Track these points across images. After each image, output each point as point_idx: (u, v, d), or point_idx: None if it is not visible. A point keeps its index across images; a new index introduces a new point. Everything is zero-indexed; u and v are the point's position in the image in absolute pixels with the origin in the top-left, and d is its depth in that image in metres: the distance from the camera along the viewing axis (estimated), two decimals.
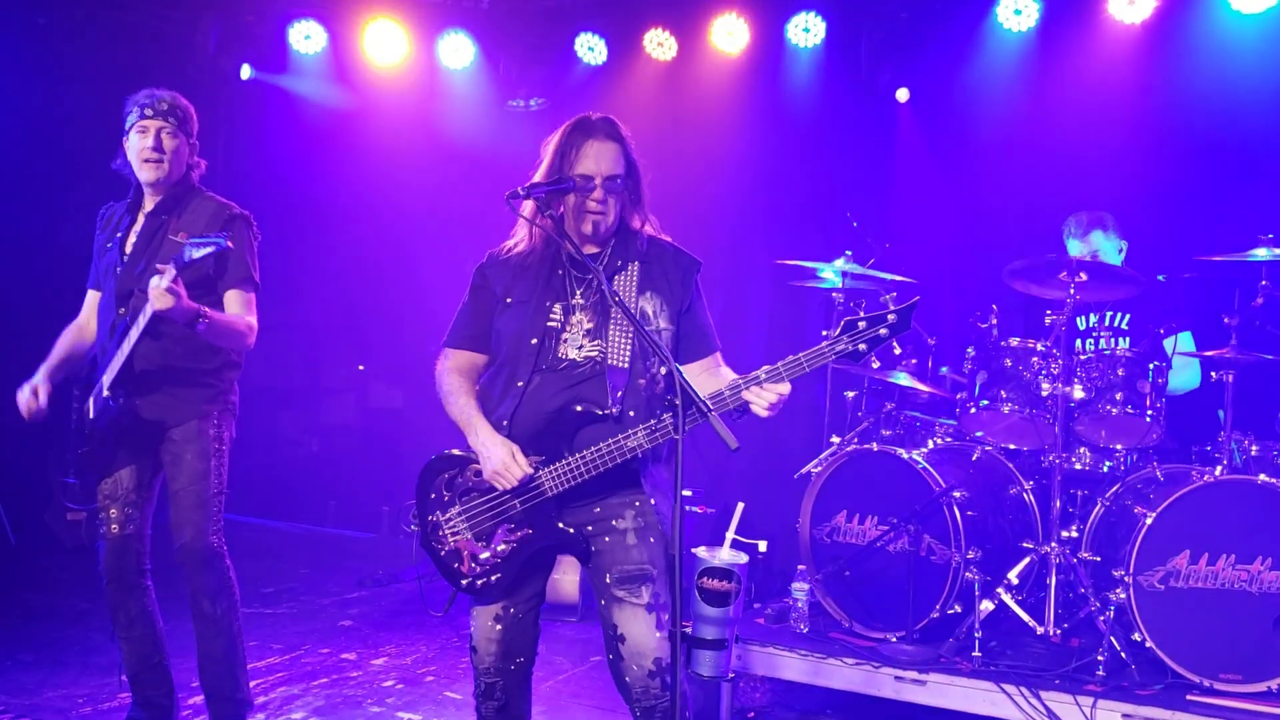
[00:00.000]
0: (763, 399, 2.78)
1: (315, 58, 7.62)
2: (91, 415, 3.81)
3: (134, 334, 3.67)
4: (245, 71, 7.83)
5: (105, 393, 3.74)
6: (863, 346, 2.80)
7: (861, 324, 2.80)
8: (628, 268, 3.06)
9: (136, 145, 3.84)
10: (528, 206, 3.01)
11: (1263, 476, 4.09)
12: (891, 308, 2.80)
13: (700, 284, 3.16)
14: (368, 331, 8.16)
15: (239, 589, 3.96)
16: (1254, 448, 4.48)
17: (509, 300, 3.10)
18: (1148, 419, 4.50)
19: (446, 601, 3.15)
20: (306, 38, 7.53)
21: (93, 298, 4.07)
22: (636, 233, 3.11)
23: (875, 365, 5.05)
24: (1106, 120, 6.04)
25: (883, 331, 2.80)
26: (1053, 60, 6.26)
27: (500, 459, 2.92)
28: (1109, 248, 5.24)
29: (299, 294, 8.04)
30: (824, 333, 2.86)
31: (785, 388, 2.79)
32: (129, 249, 3.88)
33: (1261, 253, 4.58)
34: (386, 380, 8.47)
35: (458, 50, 7.35)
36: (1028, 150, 6.27)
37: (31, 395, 3.87)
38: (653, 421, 2.82)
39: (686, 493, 5.33)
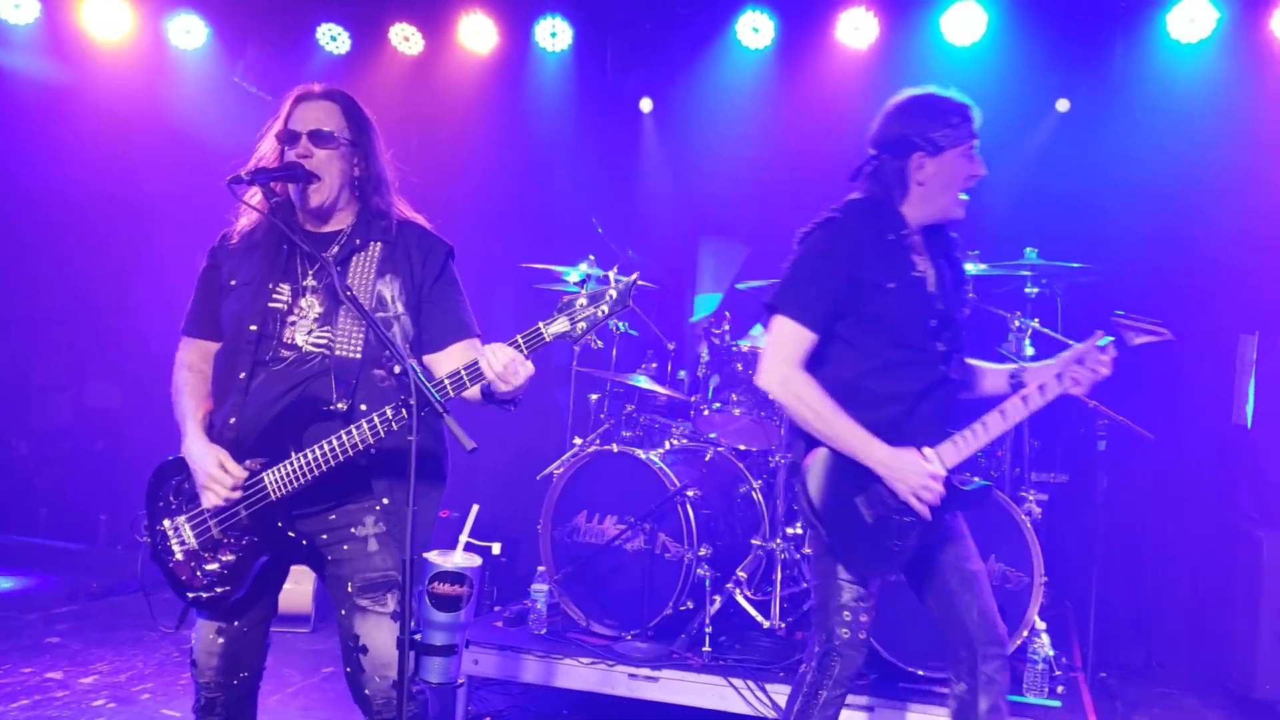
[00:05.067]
0: (493, 367, 2.64)
1: (27, 28, 7.01)
2: None
3: None
4: None
5: None
6: (581, 325, 2.70)
7: (581, 301, 2.72)
8: (368, 247, 2.93)
9: None
10: (254, 193, 2.86)
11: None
12: (612, 286, 2.73)
13: (455, 270, 3.04)
14: (85, 324, 7.60)
15: None
16: None
17: (233, 282, 2.94)
18: None
19: (179, 616, 2.96)
20: (16, 6, 6.91)
21: None
22: (384, 214, 2.97)
23: (598, 345, 5.11)
24: (837, 138, 6.36)
25: (602, 309, 2.71)
26: (789, 79, 6.56)
27: (205, 470, 2.76)
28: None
29: (5, 284, 7.40)
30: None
31: (510, 353, 2.65)
32: None
33: (968, 267, 4.95)
34: (106, 378, 7.91)
35: (189, 30, 6.95)
36: (765, 163, 6.53)
37: None
38: (375, 416, 2.70)
39: None
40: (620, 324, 5.20)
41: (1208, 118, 5.78)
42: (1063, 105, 6.22)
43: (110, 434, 7.80)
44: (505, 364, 2.66)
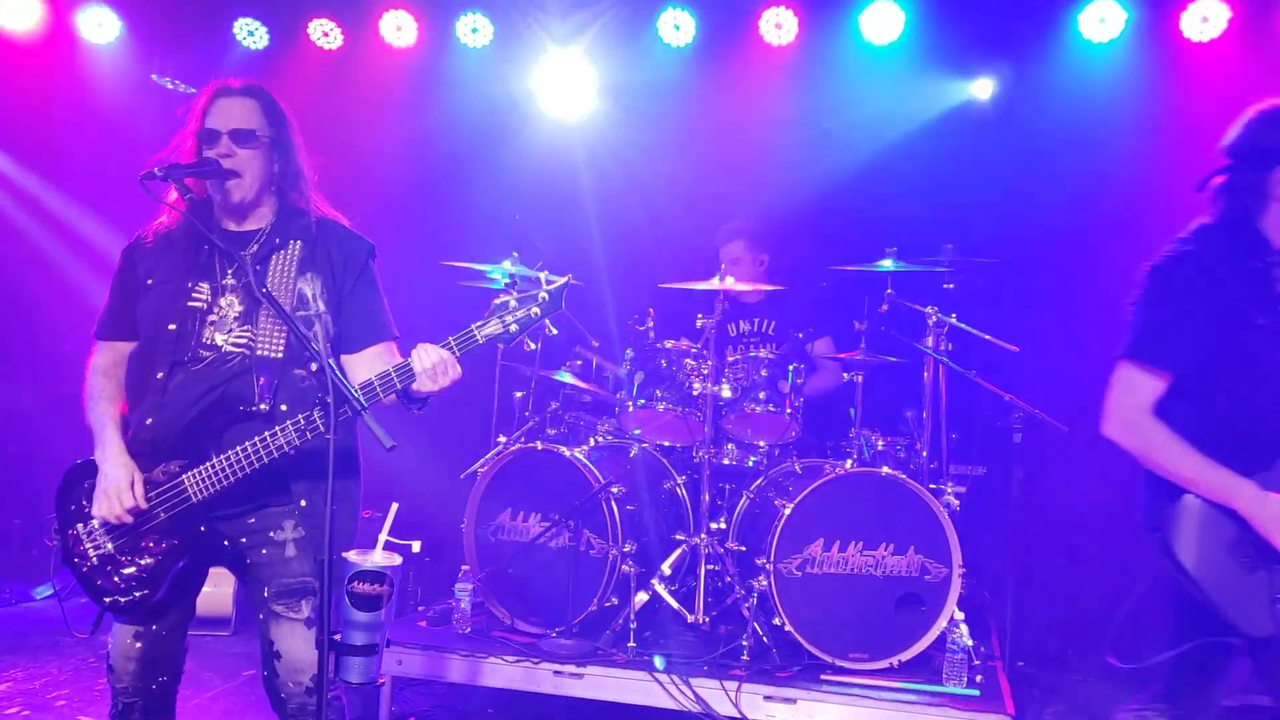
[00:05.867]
0: (423, 364, 2.66)
1: None
2: None
3: None
4: None
5: None
6: (514, 327, 2.74)
7: (513, 303, 2.74)
8: (288, 246, 2.90)
9: None
10: (171, 191, 2.81)
11: (886, 469, 4.47)
12: (543, 288, 2.74)
13: (376, 270, 3.03)
14: None
15: None
16: (880, 442, 4.90)
17: (150, 282, 2.90)
18: (787, 416, 4.83)
19: (93, 622, 2.91)
20: None
21: None
22: (303, 211, 2.95)
23: (530, 347, 5.08)
24: (759, 136, 6.43)
25: (535, 311, 2.74)
26: (711, 76, 6.58)
27: (114, 479, 2.72)
28: (749, 258, 5.61)
29: None
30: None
31: (441, 353, 2.69)
32: None
33: (887, 264, 5.04)
34: (14, 379, 7.68)
35: (101, 24, 6.78)
36: (691, 159, 6.56)
37: None
38: (300, 418, 2.69)
39: None
40: (550, 328, 5.18)
41: (1118, 115, 5.93)
42: (983, 89, 6.32)
43: (23, 436, 7.58)
44: (434, 363, 2.67)
